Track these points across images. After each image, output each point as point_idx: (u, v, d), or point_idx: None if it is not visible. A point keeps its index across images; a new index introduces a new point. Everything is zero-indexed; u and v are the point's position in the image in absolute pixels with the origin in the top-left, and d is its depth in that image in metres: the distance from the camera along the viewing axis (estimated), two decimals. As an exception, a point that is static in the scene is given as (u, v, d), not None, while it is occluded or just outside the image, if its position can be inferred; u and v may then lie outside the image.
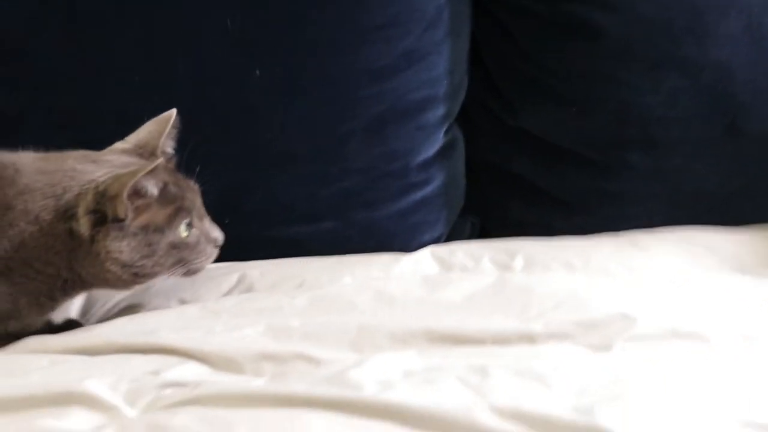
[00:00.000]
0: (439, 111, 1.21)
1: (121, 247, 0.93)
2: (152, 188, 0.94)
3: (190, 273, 0.99)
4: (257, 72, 1.13)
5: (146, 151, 1.00)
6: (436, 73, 1.20)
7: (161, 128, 1.00)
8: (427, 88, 1.19)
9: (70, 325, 1.03)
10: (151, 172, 0.93)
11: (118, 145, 1.01)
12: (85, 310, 1.09)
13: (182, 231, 0.97)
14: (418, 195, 1.20)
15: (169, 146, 1.02)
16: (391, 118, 1.17)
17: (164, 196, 0.96)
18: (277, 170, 1.15)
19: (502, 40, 1.25)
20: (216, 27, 1.13)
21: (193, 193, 0.99)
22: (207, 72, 1.13)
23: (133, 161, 0.98)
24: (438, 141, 1.21)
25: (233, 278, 1.09)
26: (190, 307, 1.02)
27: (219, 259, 1.12)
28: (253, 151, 1.15)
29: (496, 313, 0.95)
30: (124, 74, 1.12)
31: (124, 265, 0.94)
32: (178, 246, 0.96)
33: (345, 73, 1.15)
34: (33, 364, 0.90)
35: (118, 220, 0.93)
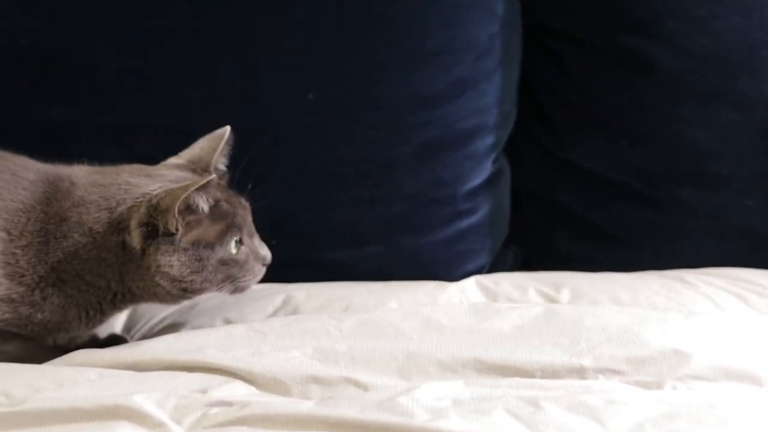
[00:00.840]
0: (488, 140, 1.22)
1: (172, 262, 0.95)
2: (203, 204, 0.95)
3: (237, 291, 0.99)
4: (310, 95, 1.15)
5: (199, 167, 1.01)
6: (486, 101, 1.21)
7: (215, 144, 1.02)
8: (476, 117, 1.21)
9: (114, 340, 1.05)
10: (203, 187, 0.95)
11: (172, 160, 1.02)
12: (129, 326, 1.10)
13: (232, 248, 0.98)
14: (464, 223, 1.21)
15: (221, 163, 1.03)
16: (441, 146, 1.19)
17: (216, 213, 0.97)
18: (326, 193, 1.17)
19: (554, 70, 1.26)
20: (271, 48, 1.15)
21: (244, 211, 1.00)
22: (260, 92, 1.15)
23: (186, 176, 0.99)
24: (486, 170, 1.23)
25: (279, 299, 1.10)
26: (236, 326, 1.03)
27: (264, 279, 1.14)
28: (302, 173, 1.16)
29: (545, 345, 0.95)
30: (177, 91, 1.15)
31: (174, 280, 0.95)
32: (227, 263, 0.97)
33: (397, 98, 1.17)
34: (81, 377, 0.92)
35: (169, 234, 0.94)
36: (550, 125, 1.27)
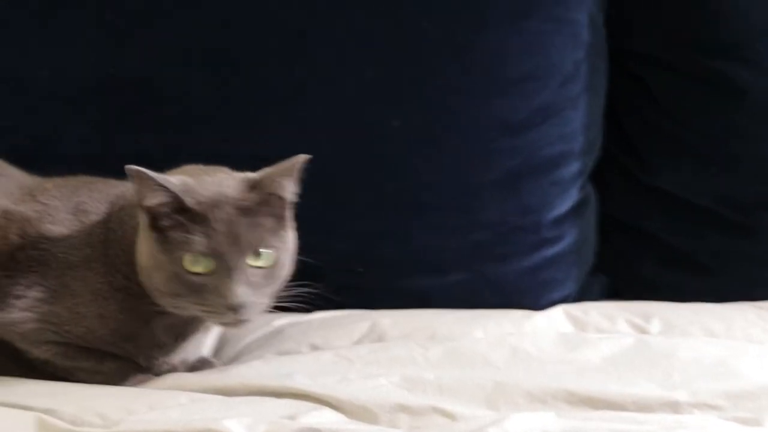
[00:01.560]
0: (574, 167, 1.21)
1: (141, 248, 0.93)
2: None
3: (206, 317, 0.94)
4: (394, 122, 1.16)
5: (260, 185, 0.93)
6: (572, 128, 1.20)
7: (278, 168, 0.94)
8: (562, 144, 1.20)
9: (203, 364, 1.06)
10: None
11: (249, 173, 0.96)
12: (218, 350, 1.11)
13: (187, 262, 0.90)
14: (550, 251, 1.20)
15: (285, 190, 0.93)
16: (525, 173, 1.18)
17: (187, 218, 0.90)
18: (409, 220, 1.17)
19: (640, 95, 1.24)
20: (356, 76, 1.16)
21: (236, 244, 0.89)
22: (344, 119, 1.16)
23: (233, 185, 0.93)
24: (571, 197, 1.21)
25: (364, 326, 1.09)
26: (323, 353, 1.03)
27: (349, 305, 1.15)
28: (386, 200, 1.17)
29: (638, 377, 0.93)
30: (264, 120, 1.16)
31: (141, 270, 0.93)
32: (179, 277, 0.90)
33: (481, 124, 1.17)
34: (172, 400, 0.93)
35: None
36: (636, 151, 1.25)
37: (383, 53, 1.17)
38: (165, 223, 0.91)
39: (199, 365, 1.05)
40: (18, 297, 0.95)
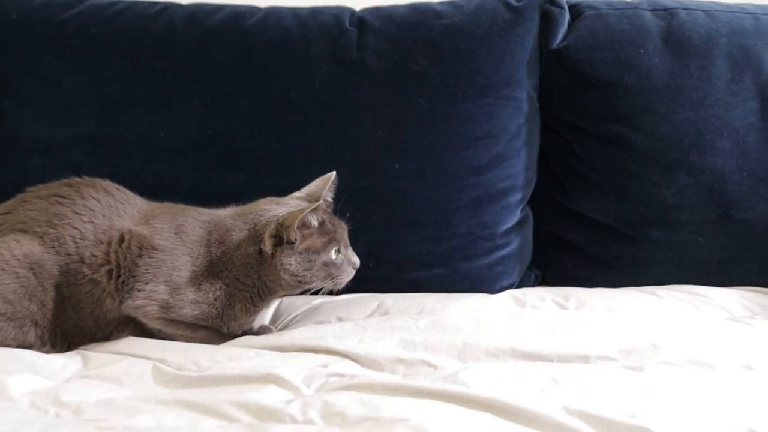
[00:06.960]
0: (518, 196, 1.20)
1: (291, 262, 0.95)
2: (314, 221, 0.96)
3: (335, 286, 0.99)
4: (396, 165, 1.15)
5: (313, 198, 1.02)
6: (516, 170, 1.19)
7: (324, 183, 1.03)
8: (510, 180, 1.19)
9: (264, 329, 1.05)
10: (313, 210, 0.95)
11: (296, 193, 1.04)
12: (274, 320, 1.10)
13: (332, 254, 0.97)
14: (501, 253, 1.18)
15: (329, 196, 1.03)
16: (485, 200, 1.17)
17: (322, 229, 0.97)
18: (407, 232, 1.16)
19: (562, 148, 1.23)
20: (372, 135, 1.15)
21: (342, 230, 1.00)
22: (365, 163, 1.15)
23: (304, 204, 1.00)
24: (516, 216, 1.20)
25: (374, 304, 1.08)
26: (345, 323, 1.02)
27: (363, 290, 1.13)
28: (391, 219, 1.16)
29: (560, 339, 0.92)
30: (309, 164, 1.15)
31: (292, 275, 0.96)
32: (328, 264, 0.97)
33: (455, 167, 1.16)
34: (243, 354, 0.92)
35: (290, 243, 0.95)
36: (562, 186, 1.24)
37: (391, 120, 1.16)
38: (308, 241, 0.95)
39: (262, 330, 1.04)
40: (140, 290, 0.95)
